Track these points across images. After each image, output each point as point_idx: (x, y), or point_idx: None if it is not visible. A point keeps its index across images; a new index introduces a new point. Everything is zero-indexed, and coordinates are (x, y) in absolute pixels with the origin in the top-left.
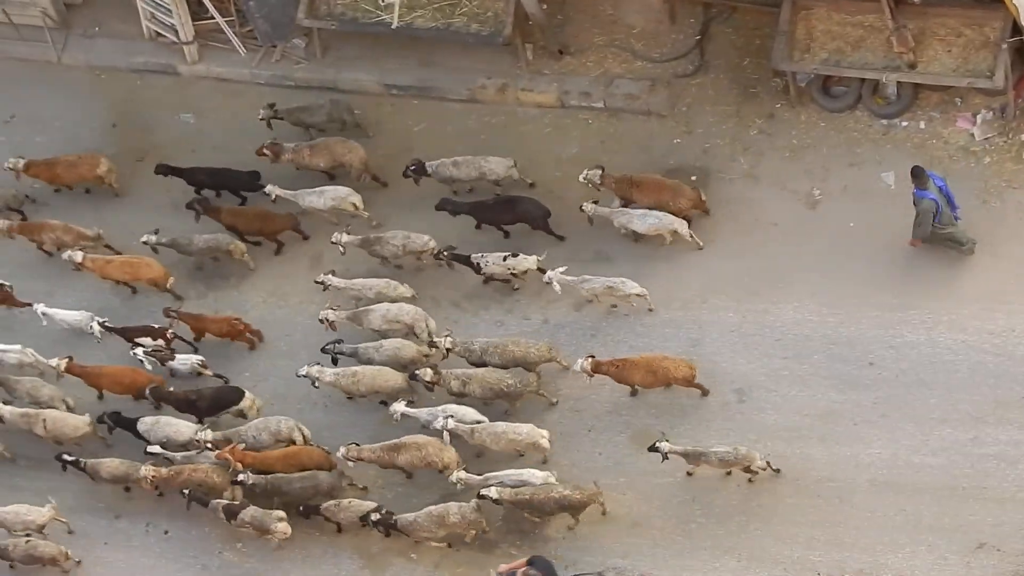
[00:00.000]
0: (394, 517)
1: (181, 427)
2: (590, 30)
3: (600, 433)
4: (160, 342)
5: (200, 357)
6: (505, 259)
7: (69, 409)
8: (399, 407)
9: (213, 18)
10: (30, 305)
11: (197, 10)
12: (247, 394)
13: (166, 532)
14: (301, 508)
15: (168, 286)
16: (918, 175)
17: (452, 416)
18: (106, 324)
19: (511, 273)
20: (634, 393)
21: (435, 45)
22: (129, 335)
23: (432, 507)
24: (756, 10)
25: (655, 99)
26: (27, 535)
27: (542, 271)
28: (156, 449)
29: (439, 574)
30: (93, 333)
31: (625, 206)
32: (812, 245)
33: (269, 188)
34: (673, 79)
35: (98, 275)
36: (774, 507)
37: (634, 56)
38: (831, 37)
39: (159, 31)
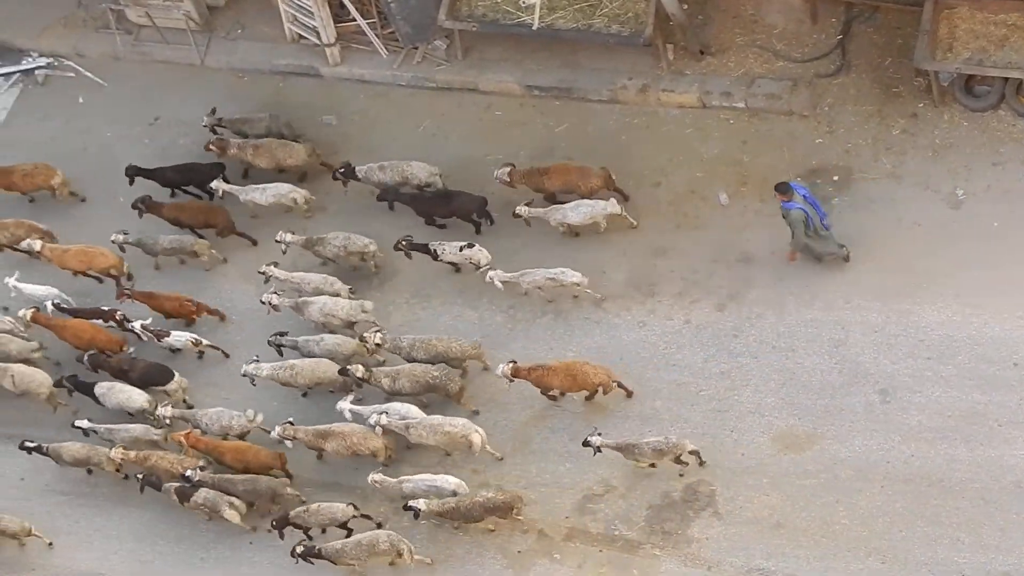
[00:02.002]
0: (318, 547)
1: (134, 395)
2: (731, 30)
3: (743, 434)
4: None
5: (194, 335)
6: (461, 249)
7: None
8: (346, 405)
9: (355, 20)
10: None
11: (339, 12)
12: (176, 376)
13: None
14: (273, 523)
15: (124, 272)
16: (783, 189)
17: (386, 412)
18: (60, 305)
19: (470, 262)
20: (553, 398)
21: (576, 46)
22: (81, 316)
23: (361, 535)
24: (898, 9)
25: (797, 99)
26: None
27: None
28: (84, 424)
29: (582, 574)
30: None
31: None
32: (955, 245)
33: (215, 184)
34: (815, 79)
35: (56, 264)
36: (918, 509)
37: (775, 56)
38: (974, 36)
39: (301, 33)
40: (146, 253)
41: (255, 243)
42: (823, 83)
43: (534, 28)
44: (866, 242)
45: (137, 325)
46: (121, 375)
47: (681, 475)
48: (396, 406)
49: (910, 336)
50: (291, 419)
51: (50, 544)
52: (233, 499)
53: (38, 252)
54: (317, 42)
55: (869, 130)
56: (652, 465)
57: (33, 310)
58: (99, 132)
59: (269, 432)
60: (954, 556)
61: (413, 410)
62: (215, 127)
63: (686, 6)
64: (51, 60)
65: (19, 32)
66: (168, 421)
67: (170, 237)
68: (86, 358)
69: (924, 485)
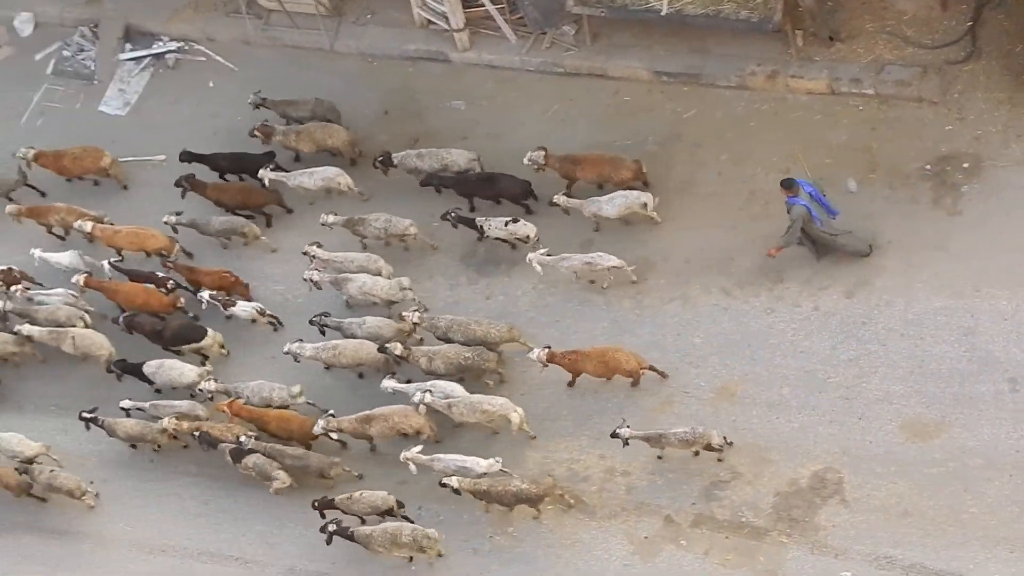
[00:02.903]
0: (351, 529)
1: (185, 370)
2: (861, 16)
3: (871, 421)
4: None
5: (259, 304)
6: (507, 224)
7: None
8: (390, 383)
9: (483, 5)
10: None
11: None
12: (209, 332)
13: (439, 516)
14: (315, 503)
15: (176, 250)
16: (788, 185)
17: (430, 391)
18: (116, 264)
19: (515, 238)
20: (571, 385)
21: (705, 31)
22: (135, 278)
23: (387, 524)
24: None
25: (926, 86)
26: (51, 468)
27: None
28: (127, 404)
29: (709, 561)
30: (104, 272)
31: (569, 187)
32: None
33: (261, 172)
34: (945, 65)
35: (106, 244)
36: None
37: (905, 42)
38: None
39: (430, 19)
40: (200, 233)
41: (290, 211)
42: (953, 70)
43: (663, 13)
44: (996, 229)
45: (205, 295)
46: (155, 336)
47: (720, 460)
48: (440, 384)
49: None
50: (332, 411)
51: (93, 503)
52: (280, 468)
53: (89, 233)
54: (446, 27)
55: (999, 117)
56: (696, 453)
57: (85, 275)
58: (229, 116)
59: (315, 406)
60: None
61: (457, 388)
62: (259, 106)
63: None
64: (182, 44)
65: (150, 16)
66: (211, 396)
67: (222, 219)
68: (121, 319)
69: None
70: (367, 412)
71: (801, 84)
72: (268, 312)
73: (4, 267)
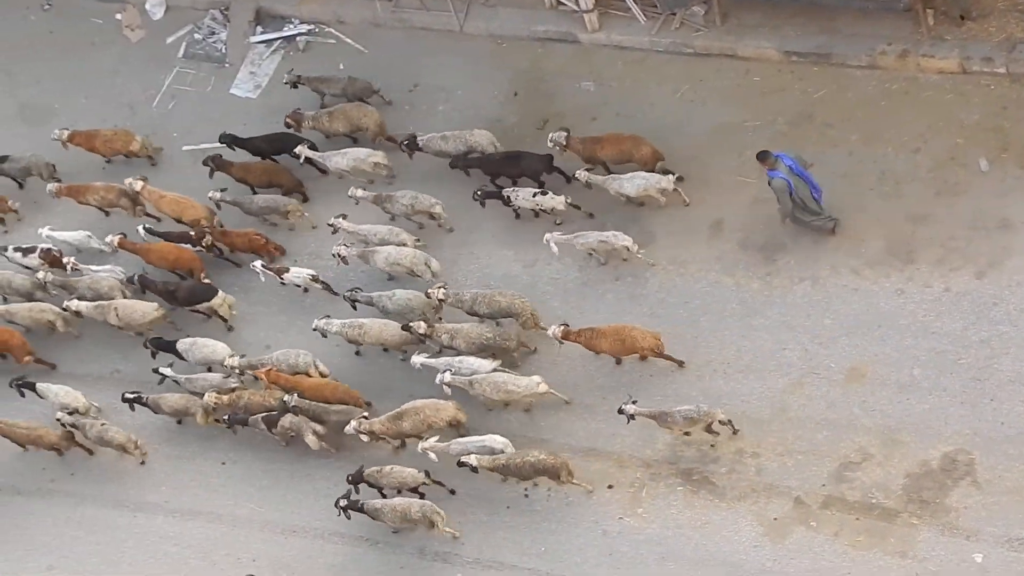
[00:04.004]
0: (361, 503)
1: (217, 348)
2: None
3: (1002, 403)
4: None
5: (312, 271)
6: (534, 195)
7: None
8: (419, 359)
9: None
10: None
11: None
12: (220, 293)
13: (568, 498)
14: (349, 477)
15: (215, 222)
16: (764, 157)
17: (450, 370)
18: (150, 229)
19: (540, 209)
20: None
21: (835, 11)
22: (170, 239)
23: (398, 500)
24: None
25: None
26: (102, 423)
27: (576, 207)
28: (167, 372)
29: (839, 542)
30: (140, 235)
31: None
32: None
33: (298, 150)
34: None
35: (152, 204)
36: None
37: None
38: None
39: (560, 0)
40: (244, 212)
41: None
42: None
43: None
44: None
45: (258, 264)
46: (168, 295)
47: (712, 446)
48: (469, 360)
49: None
50: (365, 413)
51: (144, 457)
52: (315, 425)
53: (138, 192)
54: (575, 8)
55: None
56: (687, 433)
57: (120, 236)
58: None
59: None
60: None
61: (485, 364)
62: (295, 84)
63: None
64: (312, 27)
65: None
66: (237, 369)
67: (264, 197)
68: (136, 279)
69: None
70: (398, 409)
71: (932, 63)
72: (320, 278)
73: (46, 247)
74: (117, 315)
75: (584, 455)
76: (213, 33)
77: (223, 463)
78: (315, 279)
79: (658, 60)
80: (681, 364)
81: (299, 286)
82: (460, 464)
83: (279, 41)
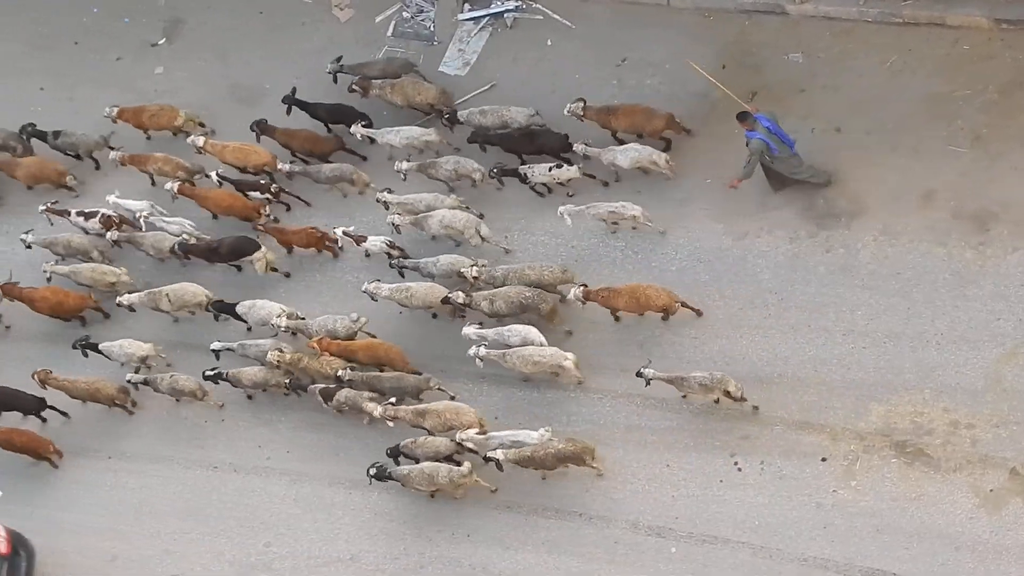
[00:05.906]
0: (388, 470)
1: (274, 308)
2: None
3: None
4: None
5: (388, 238)
6: (550, 170)
7: None
8: (470, 330)
9: None
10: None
11: None
12: (262, 247)
13: (781, 471)
14: (389, 451)
15: (278, 167)
16: (743, 118)
17: (484, 343)
18: (224, 176)
19: (557, 182)
20: (617, 319)
21: None
22: (240, 187)
23: (425, 464)
24: None
25: None
26: (171, 374)
27: (591, 176)
28: (218, 345)
29: None
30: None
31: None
32: None
33: (354, 128)
34: None
35: (216, 157)
36: None
37: None
38: None
39: None
40: (313, 181)
41: (364, 158)
42: None
43: None
44: None
45: (339, 231)
46: (211, 253)
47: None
48: (517, 328)
49: None
50: (392, 399)
51: (222, 405)
52: (371, 394)
53: (201, 147)
54: None
55: None
56: (716, 401)
57: (180, 183)
58: (567, 74)
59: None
60: None
61: (532, 332)
62: (337, 73)
63: None
64: (520, 3)
65: None
66: (284, 328)
67: (332, 166)
68: (176, 246)
69: None
70: (422, 406)
71: None
72: (396, 244)
73: (108, 213)
74: (169, 300)
75: (797, 428)
76: (421, 11)
77: None
78: (391, 245)
79: (866, 30)
80: (699, 313)
81: (378, 252)
82: (486, 460)
83: (487, 18)
